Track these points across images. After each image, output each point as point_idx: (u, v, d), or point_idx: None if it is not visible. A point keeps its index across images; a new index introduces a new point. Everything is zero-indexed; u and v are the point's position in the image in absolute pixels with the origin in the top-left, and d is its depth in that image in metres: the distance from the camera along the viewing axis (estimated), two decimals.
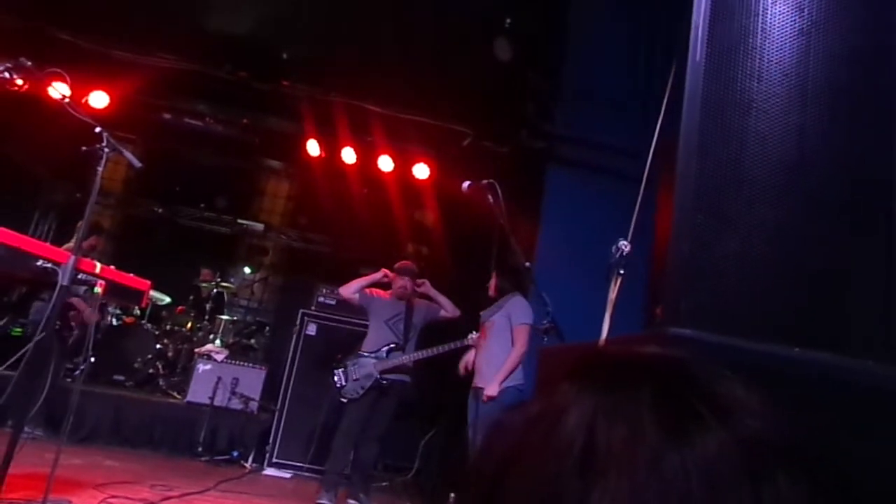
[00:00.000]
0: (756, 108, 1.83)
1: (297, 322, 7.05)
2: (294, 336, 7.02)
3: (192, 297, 8.75)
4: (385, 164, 8.11)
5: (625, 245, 2.56)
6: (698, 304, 1.73)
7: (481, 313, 5.32)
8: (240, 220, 10.34)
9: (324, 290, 7.45)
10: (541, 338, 4.42)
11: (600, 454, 0.51)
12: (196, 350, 7.66)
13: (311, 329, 7.04)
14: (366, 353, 5.69)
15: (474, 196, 4.76)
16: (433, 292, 5.93)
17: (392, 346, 5.67)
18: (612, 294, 2.58)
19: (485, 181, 4.63)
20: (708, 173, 1.79)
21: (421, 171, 8.08)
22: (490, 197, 4.58)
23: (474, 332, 5.35)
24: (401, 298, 5.81)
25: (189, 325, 8.43)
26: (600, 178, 6.70)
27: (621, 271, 2.55)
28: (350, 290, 5.84)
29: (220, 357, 7.38)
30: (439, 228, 9.13)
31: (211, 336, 8.17)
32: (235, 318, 9.08)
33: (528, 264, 4.72)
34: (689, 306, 1.73)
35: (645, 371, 0.56)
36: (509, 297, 5.13)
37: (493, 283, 5.20)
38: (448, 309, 5.90)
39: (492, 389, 4.84)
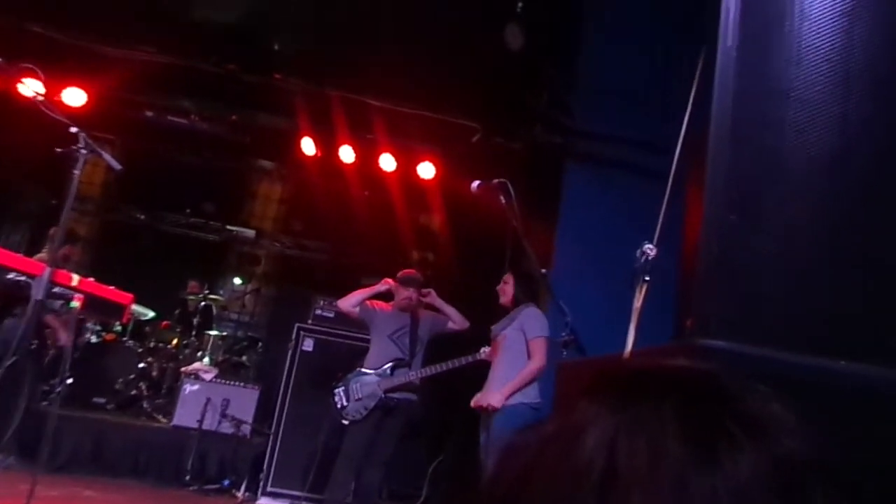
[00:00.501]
0: (794, 97, 1.82)
1: (293, 337, 7.05)
2: (289, 352, 7.01)
3: (177, 311, 8.77)
4: (387, 163, 8.12)
5: (650, 249, 2.56)
6: (731, 311, 1.72)
7: (492, 327, 5.30)
8: (229, 227, 10.38)
9: (321, 302, 7.44)
10: (559, 351, 4.40)
11: (621, 476, 0.51)
12: (183, 369, 7.67)
13: (308, 344, 7.04)
14: (368, 371, 5.69)
15: (484, 197, 4.76)
16: (440, 302, 5.92)
17: (397, 361, 5.66)
18: (637, 303, 2.58)
19: (496, 181, 4.62)
20: (741, 168, 1.78)
21: (426, 170, 8.09)
22: (502, 198, 4.57)
23: (486, 347, 5.33)
24: (405, 310, 5.81)
25: (175, 341, 8.44)
26: (623, 175, 6.69)
27: (647, 277, 2.55)
28: (350, 302, 5.84)
29: (208, 376, 7.39)
30: (446, 233, 9.14)
31: (199, 353, 8.19)
32: (225, 333, 9.09)
33: (543, 271, 4.70)
34: (720, 315, 1.72)
35: (670, 385, 0.56)
36: (522, 308, 5.11)
37: (505, 289, 5.18)
38: (456, 320, 5.90)
39: (495, 398, 4.82)
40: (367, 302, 5.86)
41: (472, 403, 5.06)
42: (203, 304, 8.69)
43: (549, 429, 0.58)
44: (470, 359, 5.44)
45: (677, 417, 0.53)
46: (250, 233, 10.46)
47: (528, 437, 0.59)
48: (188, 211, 10.12)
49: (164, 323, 8.67)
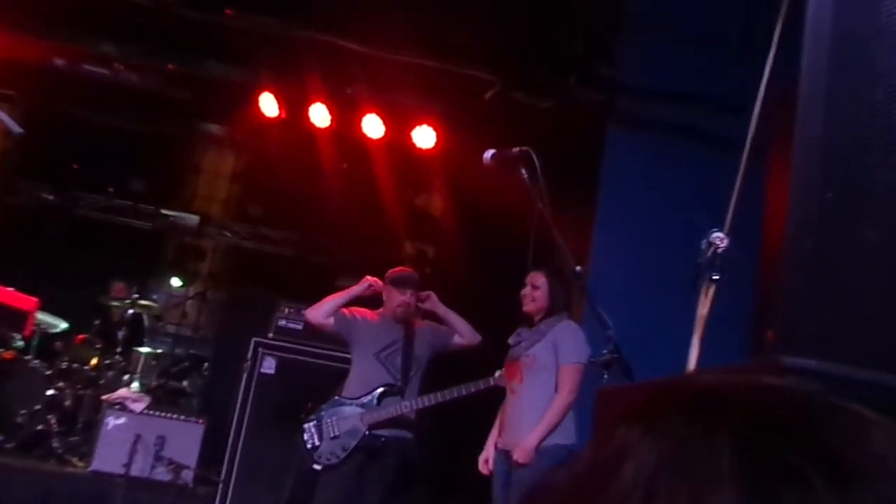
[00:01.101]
0: None
1: (249, 356, 7.06)
2: (244, 376, 7.02)
3: (97, 322, 8.76)
4: (372, 127, 8.12)
5: (720, 239, 2.55)
6: (826, 321, 1.73)
7: (511, 343, 5.30)
8: (165, 211, 10.38)
9: (286, 310, 7.45)
10: (598, 374, 4.40)
11: None
12: (104, 397, 7.67)
13: (269, 365, 7.04)
14: (348, 400, 5.69)
15: (501, 172, 4.75)
16: (442, 310, 5.93)
17: (386, 388, 5.67)
18: (703, 309, 2.57)
19: (516, 150, 4.60)
20: (841, 133, 1.78)
21: (424, 136, 8.09)
22: (523, 172, 4.54)
23: (500, 371, 5.35)
24: (397, 320, 5.81)
25: (94, 361, 8.44)
26: (683, 143, 6.69)
27: (715, 276, 2.54)
28: (322, 311, 5.84)
29: (138, 407, 7.39)
30: (450, 219, 9.14)
31: (125, 377, 8.19)
32: (160, 350, 9.10)
33: (578, 268, 4.70)
34: (812, 325, 1.73)
35: (731, 409, 0.56)
36: (555, 321, 5.12)
37: (535, 294, 5.16)
38: (464, 333, 5.90)
39: (524, 451, 4.84)
40: (346, 310, 5.85)
41: (499, 446, 5.08)
42: (131, 312, 8.68)
43: (581, 464, 0.59)
44: (481, 385, 5.44)
45: (735, 452, 0.53)
46: (193, 219, 10.47)
47: (559, 476, 0.60)
48: (111, 190, 10.07)
49: (80, 337, 8.67)
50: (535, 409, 4.99)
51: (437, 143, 8.11)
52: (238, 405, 6.98)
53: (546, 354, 5.06)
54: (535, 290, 5.18)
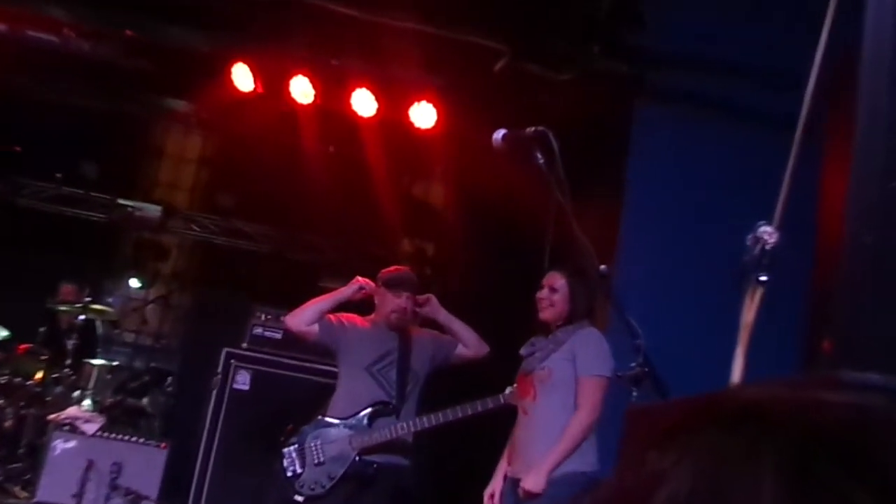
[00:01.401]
0: None
1: (219, 369, 7.06)
2: (214, 392, 7.01)
3: (43, 329, 8.76)
4: (363, 103, 8.11)
5: (769, 233, 2.57)
6: (889, 329, 1.73)
7: (523, 354, 5.29)
8: (122, 201, 10.35)
9: (262, 317, 7.45)
10: (626, 390, 4.41)
11: None
12: (51, 417, 7.68)
13: (243, 380, 7.04)
14: (335, 421, 5.69)
15: (512, 155, 4.75)
16: (444, 316, 5.93)
17: (379, 407, 5.67)
18: (749, 315, 2.59)
19: (530, 130, 4.61)
20: None
21: (423, 114, 8.09)
22: (539, 156, 4.56)
23: (513, 387, 5.35)
24: (392, 328, 5.82)
25: (39, 374, 8.44)
26: (724, 122, 6.68)
27: (763, 277, 2.56)
28: (304, 317, 5.83)
29: (91, 428, 7.39)
30: (453, 211, 9.12)
31: (76, 393, 8.17)
32: (116, 362, 9.09)
33: (603, 268, 4.70)
34: (874, 335, 1.73)
35: (778, 429, 0.56)
36: (575, 329, 5.11)
37: (553, 298, 5.14)
38: (469, 343, 5.90)
39: (535, 479, 4.81)
40: (333, 316, 5.84)
41: (508, 474, 5.09)
42: (82, 318, 8.65)
43: (606, 493, 0.60)
44: (489, 403, 5.43)
45: (779, 477, 0.53)
46: (154, 210, 10.44)
47: (583, 502, 0.61)
48: (59, 176, 10.10)
49: (23, 347, 8.66)
50: (550, 430, 4.96)
51: (437, 123, 8.10)
52: (207, 426, 6.97)
53: (563, 367, 5.02)
54: (553, 294, 5.15)
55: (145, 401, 8.71)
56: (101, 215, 10.38)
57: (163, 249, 10.63)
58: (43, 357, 8.54)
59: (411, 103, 8.10)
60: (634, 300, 4.90)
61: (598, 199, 6.45)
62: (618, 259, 6.48)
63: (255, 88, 8.20)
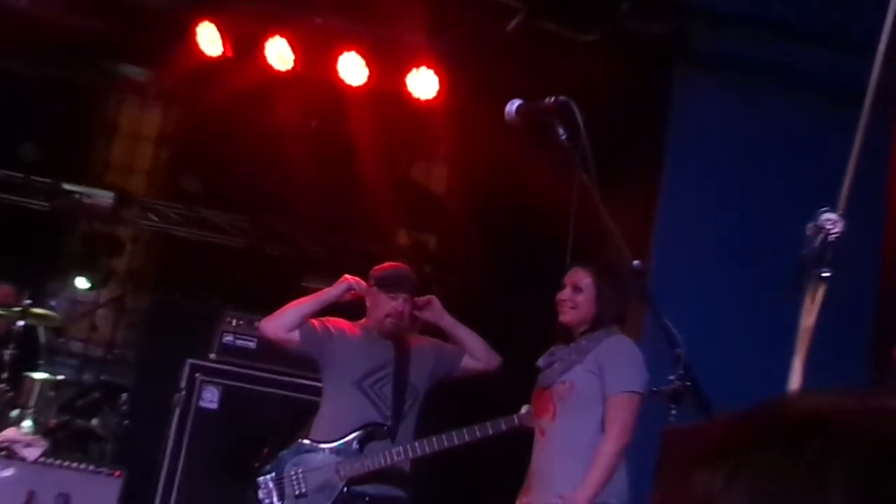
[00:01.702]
0: None
1: (183, 384, 7.07)
2: (177, 412, 7.03)
3: None
4: (351, 70, 8.13)
5: (832, 222, 2.60)
6: None
7: (541, 365, 5.30)
8: (67, 186, 10.38)
9: (233, 322, 7.48)
10: (664, 408, 4.39)
11: None
12: None
13: (210, 397, 7.08)
14: (319, 445, 5.72)
15: (529, 131, 4.74)
16: (448, 321, 5.96)
17: (370, 429, 5.69)
18: (809, 318, 2.61)
19: (550, 100, 4.60)
20: None
21: (422, 83, 8.10)
22: (560, 131, 4.55)
23: (528, 406, 5.36)
24: (386, 336, 5.85)
25: None
26: (778, 91, 6.66)
27: (825, 273, 2.58)
28: (283, 322, 5.85)
29: (32, 453, 7.42)
30: (458, 197, 9.17)
31: (14, 412, 8.20)
32: (62, 376, 9.12)
33: (636, 263, 4.68)
34: None
35: (847, 442, 0.55)
36: (602, 337, 5.13)
37: (576, 299, 5.14)
38: (478, 353, 5.92)
39: None
40: (317, 321, 5.88)
41: None
42: (21, 324, 8.67)
43: None
44: (502, 425, 5.49)
45: (848, 495, 0.53)
46: (106, 197, 10.46)
47: None
48: None
49: None
50: (572, 454, 4.98)
51: (440, 93, 8.12)
52: (168, 451, 7.01)
53: (588, 380, 5.04)
54: (577, 294, 5.16)
55: (95, 421, 8.76)
56: (44, 203, 10.40)
57: (116, 243, 10.67)
58: None
59: (409, 70, 8.13)
60: (673, 302, 4.89)
61: (630, 183, 6.45)
62: (653, 253, 6.49)
63: (223, 52, 8.24)
